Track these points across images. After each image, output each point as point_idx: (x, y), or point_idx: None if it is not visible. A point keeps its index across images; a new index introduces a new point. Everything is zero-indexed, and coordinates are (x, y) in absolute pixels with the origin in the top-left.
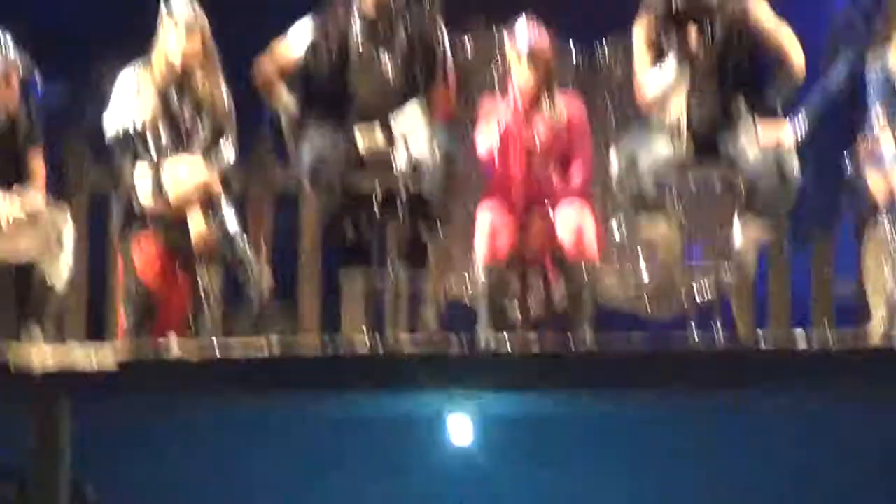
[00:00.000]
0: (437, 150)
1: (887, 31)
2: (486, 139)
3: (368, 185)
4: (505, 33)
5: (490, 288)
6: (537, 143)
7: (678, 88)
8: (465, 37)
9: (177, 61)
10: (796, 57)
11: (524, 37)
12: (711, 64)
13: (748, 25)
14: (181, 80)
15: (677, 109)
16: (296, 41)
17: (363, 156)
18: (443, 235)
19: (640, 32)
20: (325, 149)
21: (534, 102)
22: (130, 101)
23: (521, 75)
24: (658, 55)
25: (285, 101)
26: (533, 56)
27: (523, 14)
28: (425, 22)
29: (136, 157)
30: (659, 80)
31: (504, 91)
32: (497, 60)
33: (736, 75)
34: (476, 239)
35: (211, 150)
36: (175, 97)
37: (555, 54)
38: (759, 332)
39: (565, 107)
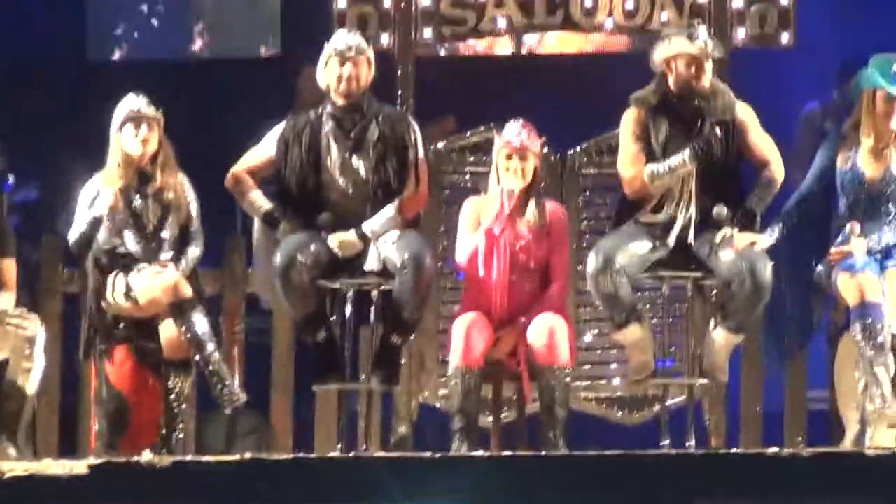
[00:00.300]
0: (407, 253)
1: (855, 135)
2: (468, 245)
3: (340, 287)
4: (495, 133)
5: (463, 392)
6: (520, 250)
7: (681, 175)
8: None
9: (135, 162)
10: (777, 170)
11: (516, 137)
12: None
13: (735, 131)
14: (141, 181)
15: (669, 209)
16: (268, 143)
17: (335, 257)
18: (414, 338)
19: (629, 125)
20: (296, 249)
21: (520, 206)
22: (93, 209)
23: (510, 177)
24: (645, 148)
25: (257, 204)
26: (524, 157)
27: (517, 118)
28: (397, 122)
29: (103, 262)
30: (665, 170)
31: (488, 194)
32: (474, 161)
33: (719, 177)
34: (452, 343)
35: (179, 250)
36: (137, 198)
37: (542, 157)
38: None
39: (548, 213)
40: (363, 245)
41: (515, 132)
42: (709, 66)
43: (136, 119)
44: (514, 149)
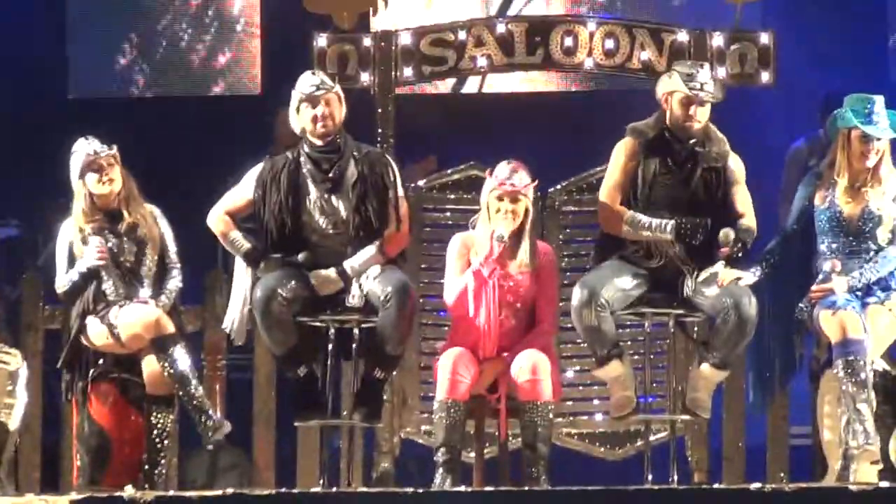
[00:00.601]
0: (390, 287)
1: (831, 174)
2: (457, 285)
3: (322, 323)
4: (487, 174)
5: (448, 426)
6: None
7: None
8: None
9: (103, 204)
10: (751, 220)
11: (508, 180)
12: (679, 201)
13: (724, 180)
14: (111, 220)
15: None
16: (246, 185)
17: (316, 293)
18: (396, 374)
19: (620, 155)
20: (276, 283)
21: (510, 248)
22: (82, 260)
23: (500, 220)
24: (631, 181)
25: (238, 243)
26: (515, 199)
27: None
28: (375, 161)
29: (84, 301)
30: (645, 226)
31: (476, 230)
32: (454, 199)
33: (708, 215)
34: (438, 377)
35: (158, 283)
36: (111, 237)
37: (534, 197)
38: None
39: (537, 255)
40: (342, 283)
41: (507, 175)
42: (703, 109)
43: (94, 163)
44: (507, 192)
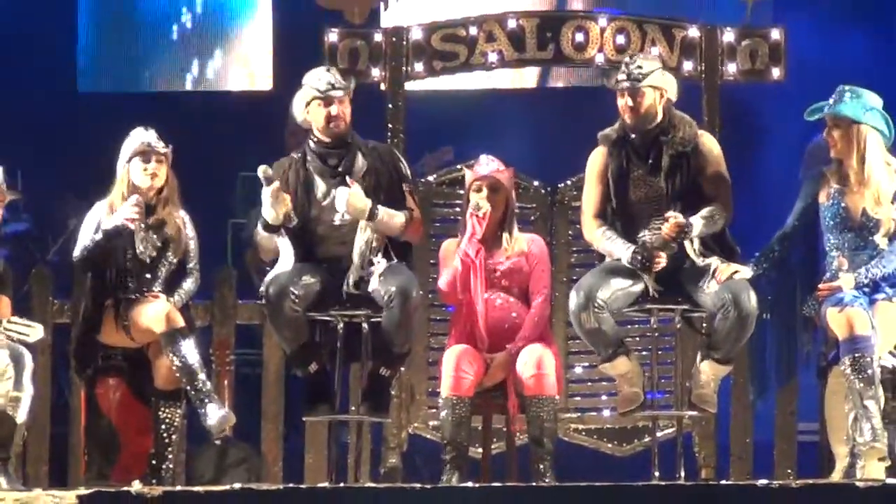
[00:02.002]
0: (394, 287)
1: (836, 172)
2: (447, 274)
3: (331, 318)
4: (465, 169)
5: (454, 423)
6: (499, 276)
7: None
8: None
9: (141, 194)
10: (725, 207)
11: (484, 167)
12: (660, 193)
13: (695, 161)
14: (144, 212)
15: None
16: (265, 193)
17: (326, 289)
18: (404, 369)
19: (591, 165)
20: (288, 281)
21: (492, 234)
22: (97, 228)
23: (480, 201)
24: (605, 189)
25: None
26: (493, 186)
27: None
28: (385, 154)
29: (98, 291)
30: (608, 249)
31: (465, 227)
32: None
33: (686, 208)
34: (442, 373)
35: (173, 283)
36: (139, 230)
37: (513, 188)
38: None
39: (526, 243)
40: (366, 216)
41: (483, 164)
42: (638, 97)
43: (145, 153)
44: (483, 178)
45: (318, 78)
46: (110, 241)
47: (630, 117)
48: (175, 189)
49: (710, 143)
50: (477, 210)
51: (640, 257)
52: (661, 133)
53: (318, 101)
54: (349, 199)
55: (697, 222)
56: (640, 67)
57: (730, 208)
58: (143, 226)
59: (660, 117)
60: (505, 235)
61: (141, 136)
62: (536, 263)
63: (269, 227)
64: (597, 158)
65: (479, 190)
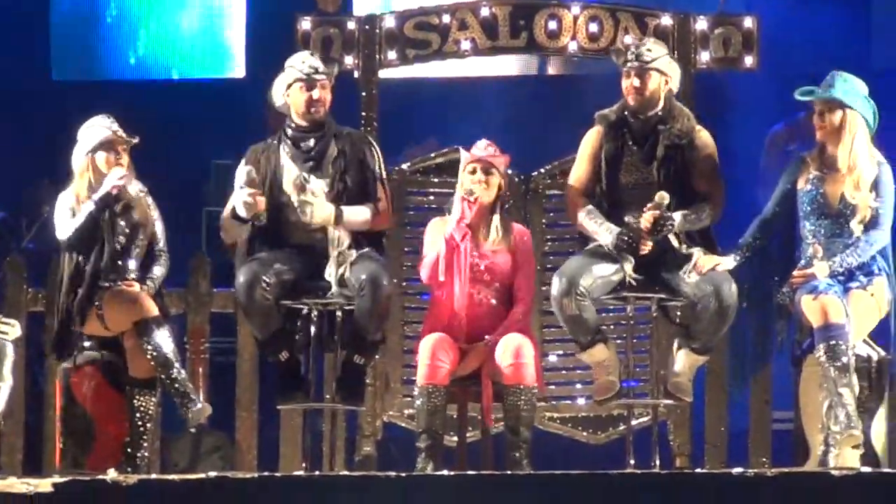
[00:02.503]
0: (365, 275)
1: (816, 158)
2: (430, 257)
3: (305, 306)
4: (461, 152)
5: (429, 411)
6: (484, 267)
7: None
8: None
9: (113, 182)
10: (716, 206)
11: (481, 150)
12: (650, 181)
13: (689, 155)
14: (114, 201)
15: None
16: (239, 178)
17: (299, 277)
18: (379, 357)
19: (586, 143)
20: (260, 269)
21: (483, 222)
22: (72, 215)
23: (473, 185)
24: (597, 168)
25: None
26: (487, 169)
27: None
28: (358, 141)
29: (70, 280)
30: (593, 229)
31: (451, 210)
32: (438, 182)
33: (674, 199)
34: (418, 362)
35: (144, 268)
36: (107, 216)
37: (506, 176)
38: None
39: (514, 236)
40: (332, 222)
41: (478, 150)
42: (646, 79)
43: (111, 143)
44: (478, 160)
45: (301, 61)
46: (101, 212)
47: (634, 98)
48: (133, 173)
49: (706, 139)
50: (469, 195)
51: (626, 238)
52: (659, 122)
53: (300, 85)
54: (314, 211)
55: (678, 218)
56: (650, 50)
57: (720, 207)
58: (116, 209)
59: (661, 104)
60: (494, 223)
61: (105, 125)
62: (522, 263)
63: (237, 217)
64: (592, 137)
65: (473, 172)
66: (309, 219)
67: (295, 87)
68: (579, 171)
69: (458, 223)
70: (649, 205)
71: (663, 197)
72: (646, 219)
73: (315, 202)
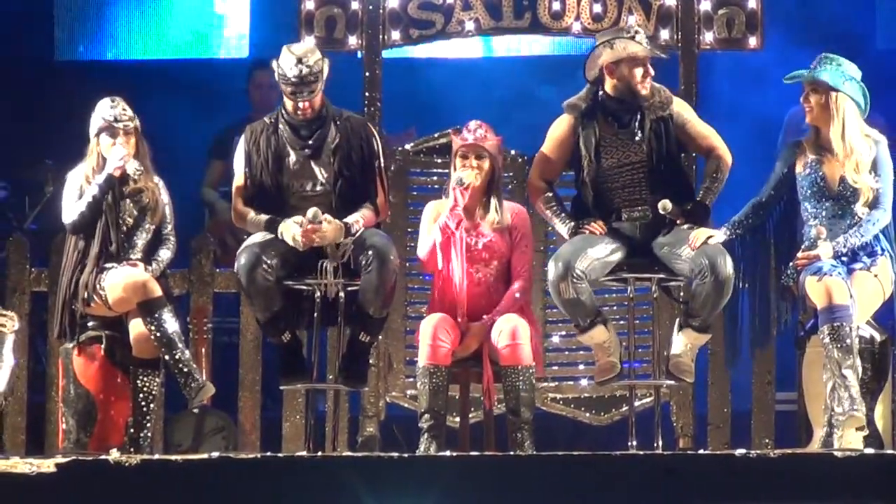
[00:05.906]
0: (371, 251)
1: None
2: (426, 241)
3: (307, 287)
4: (451, 133)
5: (431, 392)
6: (481, 247)
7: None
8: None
9: (114, 164)
10: (724, 154)
11: (470, 134)
12: (639, 158)
13: (674, 125)
14: (119, 180)
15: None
16: (238, 161)
17: (301, 257)
18: (382, 338)
19: (554, 130)
20: (262, 250)
21: (478, 204)
22: (80, 194)
23: (464, 171)
24: (563, 156)
25: (256, 220)
26: (478, 153)
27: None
28: (358, 128)
29: (78, 259)
30: (550, 218)
31: (447, 193)
32: (440, 162)
33: (667, 175)
34: (419, 343)
35: (150, 251)
36: (115, 199)
37: (501, 157)
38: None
39: (510, 214)
40: (341, 235)
41: (469, 132)
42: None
43: (111, 129)
44: (469, 146)
45: (288, 65)
46: (105, 194)
47: (639, 86)
48: (146, 155)
49: (682, 103)
50: (460, 184)
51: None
52: (641, 99)
53: (288, 88)
54: (326, 235)
55: (709, 196)
56: (643, 37)
57: (725, 149)
58: (124, 191)
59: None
60: (490, 205)
61: (106, 111)
62: (519, 239)
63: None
64: (561, 125)
65: (464, 157)
66: (319, 244)
67: (284, 88)
68: (542, 156)
69: (451, 211)
70: (671, 219)
71: (666, 206)
72: (699, 241)
73: (326, 228)
